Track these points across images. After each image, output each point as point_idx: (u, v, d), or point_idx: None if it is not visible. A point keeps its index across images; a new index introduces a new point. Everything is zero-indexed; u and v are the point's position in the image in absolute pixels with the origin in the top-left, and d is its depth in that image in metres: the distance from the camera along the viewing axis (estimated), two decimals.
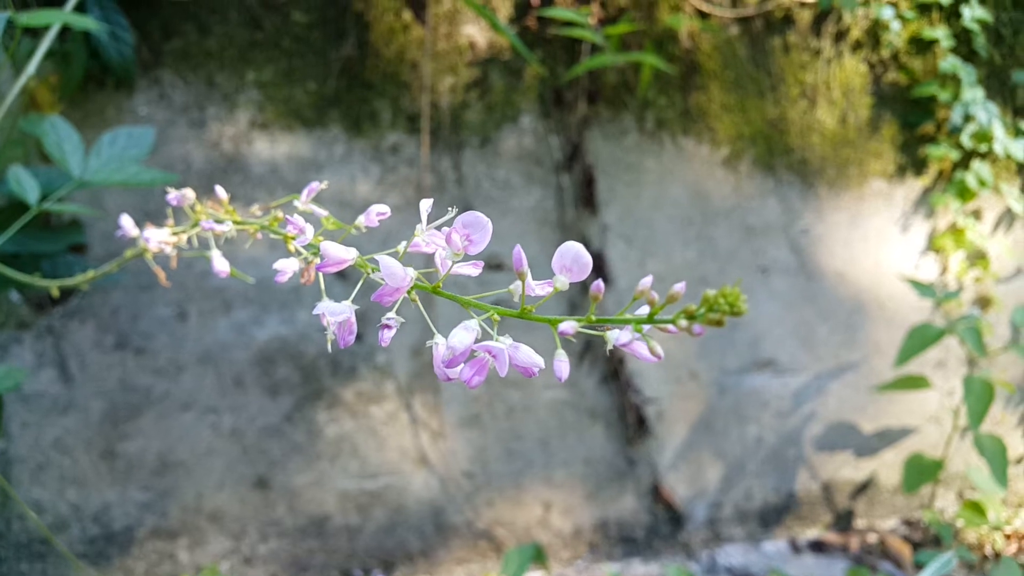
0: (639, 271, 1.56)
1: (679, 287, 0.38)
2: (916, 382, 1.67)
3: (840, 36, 1.64)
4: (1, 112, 1.05)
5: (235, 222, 0.55)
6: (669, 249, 1.58)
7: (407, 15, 1.44)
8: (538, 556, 1.34)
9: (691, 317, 0.37)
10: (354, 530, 1.50)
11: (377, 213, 0.50)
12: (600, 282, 0.40)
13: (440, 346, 0.44)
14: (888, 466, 1.81)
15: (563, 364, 0.40)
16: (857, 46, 1.65)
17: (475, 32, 1.48)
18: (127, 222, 0.63)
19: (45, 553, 1.38)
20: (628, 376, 1.56)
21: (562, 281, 0.41)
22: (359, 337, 1.48)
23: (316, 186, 0.54)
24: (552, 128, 1.52)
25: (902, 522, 1.82)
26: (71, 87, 1.26)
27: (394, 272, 0.41)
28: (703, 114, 1.57)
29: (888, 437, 1.81)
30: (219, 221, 0.54)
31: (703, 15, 1.55)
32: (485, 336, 0.42)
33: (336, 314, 0.44)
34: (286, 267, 0.49)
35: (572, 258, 0.40)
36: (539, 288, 0.43)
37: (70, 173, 0.95)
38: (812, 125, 1.65)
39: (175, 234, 0.57)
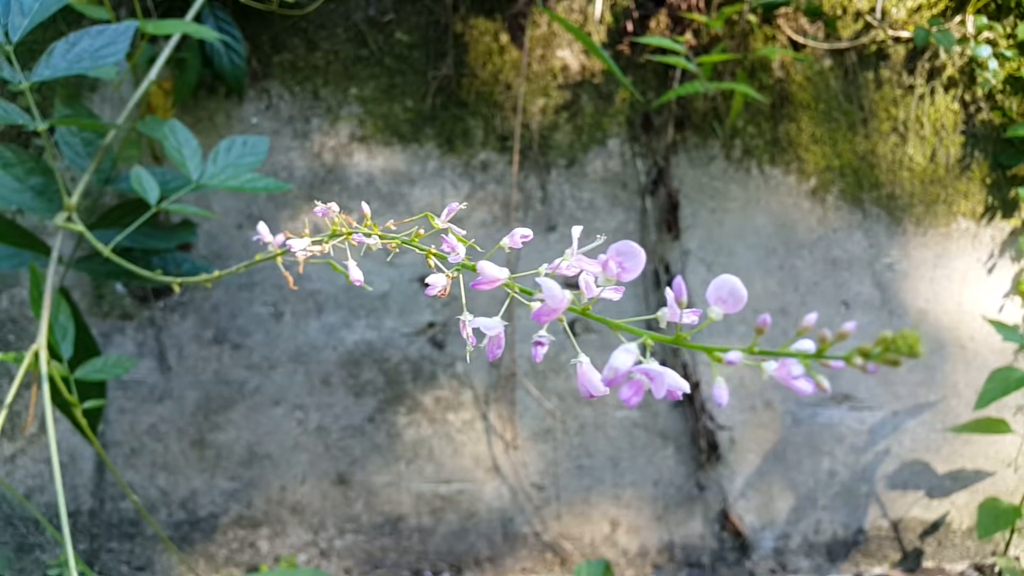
0: None
1: (850, 326, 0.37)
2: (995, 425, 1.60)
3: (934, 73, 1.59)
4: (124, 115, 1.09)
5: (380, 236, 0.56)
6: (750, 277, 1.55)
7: (504, 37, 1.45)
8: (606, 572, 1.32)
9: (866, 355, 0.36)
10: (426, 531, 1.51)
11: (521, 236, 0.50)
12: (767, 317, 0.40)
13: (584, 364, 0.44)
14: (960, 508, 1.74)
15: (723, 392, 0.40)
16: (951, 83, 1.60)
17: (568, 55, 1.48)
18: (263, 229, 0.64)
19: (134, 534, 1.42)
20: (702, 401, 1.54)
21: (716, 312, 0.40)
22: (440, 345, 1.50)
23: (455, 207, 0.55)
24: (639, 152, 1.51)
25: (972, 566, 1.75)
26: (185, 93, 1.31)
27: (555, 294, 0.41)
28: (792, 144, 1.54)
29: (962, 479, 1.73)
30: (367, 235, 0.55)
31: (796, 46, 1.53)
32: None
33: (490, 329, 0.44)
34: (436, 283, 0.49)
35: (728, 291, 0.39)
36: (686, 316, 0.42)
37: (188, 176, 0.99)
38: (902, 161, 1.60)
39: (316, 243, 0.59)
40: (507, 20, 1.40)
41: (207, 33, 1.02)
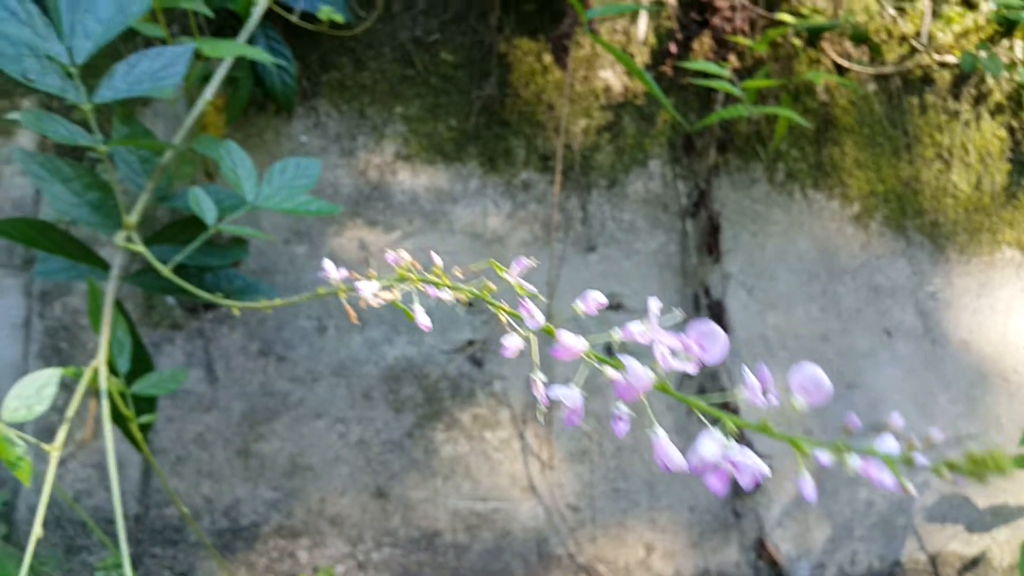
0: (759, 322, 1.52)
1: (938, 435, 0.37)
2: None
3: (980, 98, 1.57)
4: (180, 135, 1.12)
5: (450, 287, 0.57)
6: (791, 303, 1.54)
7: (547, 58, 1.47)
8: None
9: (952, 468, 0.36)
10: (462, 548, 1.51)
11: (596, 303, 0.51)
12: (855, 417, 0.40)
13: (661, 438, 0.44)
14: (1001, 545, 1.70)
15: (810, 486, 0.40)
16: (998, 109, 1.58)
17: (611, 76, 1.49)
18: (329, 266, 0.66)
19: (177, 540, 1.45)
20: (741, 429, 1.53)
21: (800, 401, 0.40)
22: (479, 363, 1.51)
23: (525, 263, 0.55)
24: (680, 174, 1.51)
25: None
26: (237, 111, 1.34)
27: (639, 376, 0.42)
28: (835, 169, 1.53)
29: (1004, 515, 1.70)
30: (436, 285, 0.57)
31: (841, 70, 1.52)
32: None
33: (570, 400, 0.45)
34: (512, 345, 0.50)
35: (812, 381, 0.40)
36: (752, 394, 0.42)
37: (243, 197, 1.01)
38: (946, 188, 1.58)
39: (385, 288, 0.60)
40: (551, 41, 1.41)
41: (262, 56, 1.05)
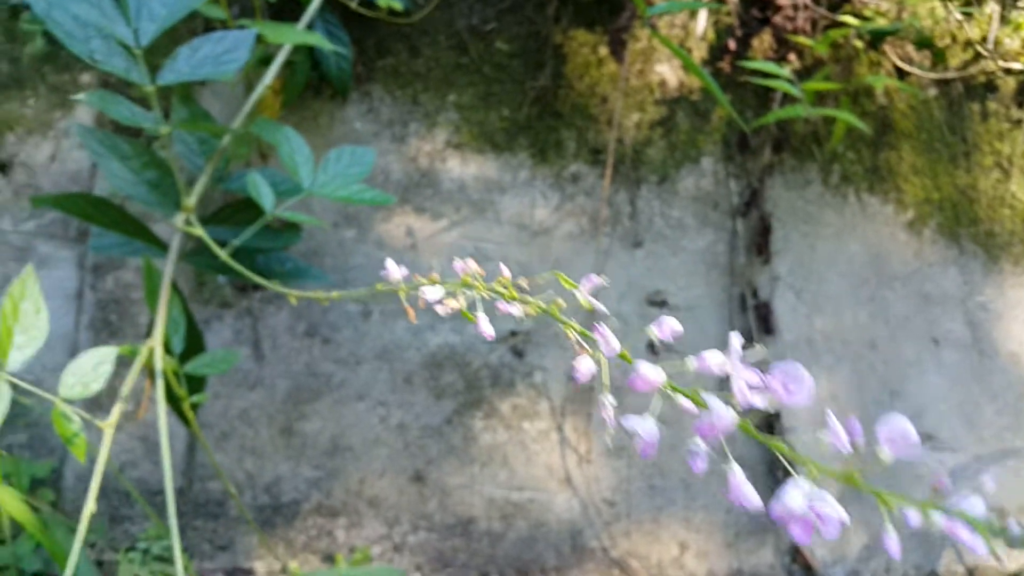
0: (806, 325, 1.50)
1: (990, 484, 0.36)
2: None
3: None
4: (239, 119, 1.12)
5: (517, 299, 0.56)
6: (839, 307, 1.51)
7: (603, 50, 1.45)
8: None
9: None
10: (496, 536, 1.52)
11: (672, 331, 0.49)
12: (946, 480, 0.38)
13: (736, 475, 0.43)
14: None
15: (895, 542, 0.38)
16: None
17: (667, 71, 1.47)
18: (391, 266, 0.66)
19: (218, 515, 1.47)
20: (782, 429, 1.51)
21: (886, 454, 0.39)
22: (520, 354, 1.51)
23: (595, 280, 0.54)
24: (733, 172, 1.49)
25: None
26: (293, 94, 1.34)
27: (722, 416, 0.41)
28: (891, 173, 1.50)
29: None
30: (504, 297, 0.56)
31: (902, 73, 1.48)
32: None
33: (648, 433, 0.44)
34: (585, 369, 0.49)
35: (900, 434, 0.38)
36: (835, 439, 0.41)
37: (300, 184, 1.01)
38: (1003, 197, 1.54)
39: (450, 294, 0.59)
40: (608, 34, 1.39)
41: (323, 43, 1.04)
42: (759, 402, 0.43)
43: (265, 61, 1.17)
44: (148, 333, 1.19)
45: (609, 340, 0.48)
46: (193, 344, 1.07)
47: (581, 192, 1.47)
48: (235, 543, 1.46)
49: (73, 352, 1.43)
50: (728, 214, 1.49)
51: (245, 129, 1.07)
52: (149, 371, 0.98)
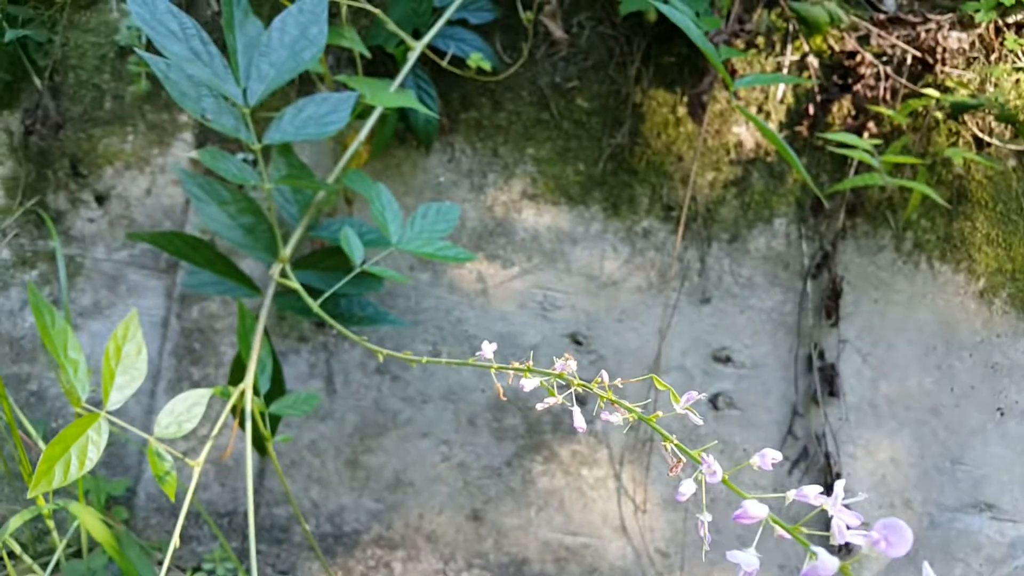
0: (871, 389, 1.49)
1: None
2: None
3: None
4: (335, 173, 1.16)
5: (614, 402, 0.58)
6: (905, 373, 1.50)
7: (681, 110, 1.46)
8: None
9: None
10: None
11: (772, 459, 0.51)
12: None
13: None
14: None
15: None
16: None
17: (743, 132, 1.48)
18: (487, 347, 0.69)
19: (282, 540, 1.51)
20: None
21: (879, 552, 0.41)
22: (583, 402, 1.52)
23: (694, 395, 0.56)
24: (806, 234, 1.49)
25: None
26: (382, 145, 1.38)
27: (828, 566, 0.43)
28: (965, 243, 1.48)
29: None
30: (602, 400, 0.58)
31: (980, 143, 1.47)
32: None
33: (748, 565, 0.46)
34: (687, 491, 0.51)
35: (898, 537, 0.40)
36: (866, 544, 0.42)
37: (388, 239, 1.05)
38: None
39: (551, 394, 0.62)
40: (689, 97, 1.41)
41: (417, 105, 1.08)
42: (859, 543, 0.44)
43: (359, 114, 1.21)
44: (232, 367, 1.24)
45: (716, 471, 0.50)
46: (276, 384, 1.12)
47: (651, 247, 1.48)
48: (297, 569, 1.50)
49: (155, 377, 1.49)
50: (798, 275, 1.49)
51: (340, 186, 1.11)
52: (237, 412, 1.02)
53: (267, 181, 1.00)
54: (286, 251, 1.03)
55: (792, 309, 1.49)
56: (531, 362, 0.64)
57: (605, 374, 0.60)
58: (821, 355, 1.47)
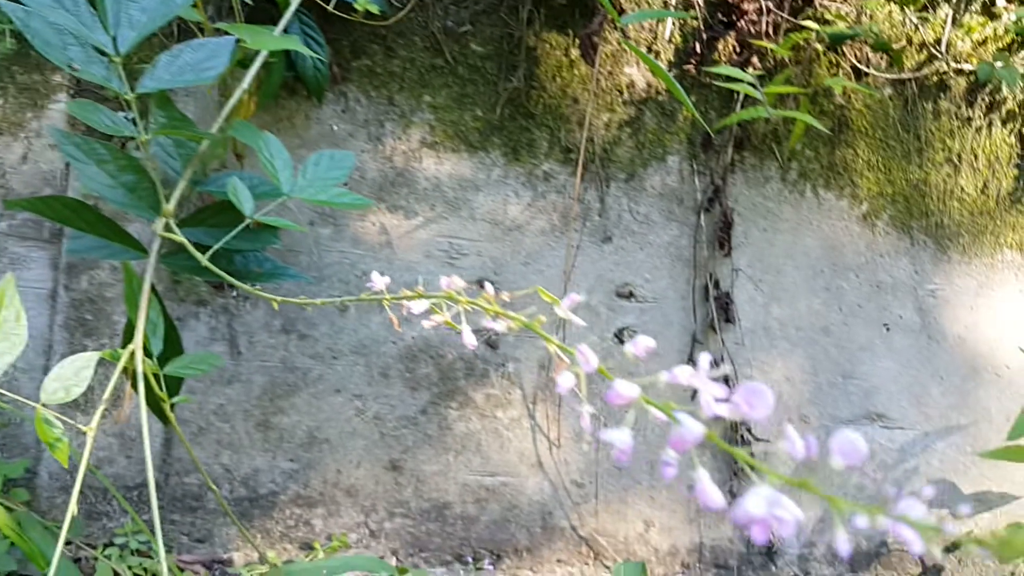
0: (764, 314, 1.54)
1: (967, 510, 0.38)
2: None
3: (993, 106, 1.57)
4: (217, 123, 1.11)
5: (500, 314, 0.57)
6: (795, 296, 1.55)
7: (574, 52, 1.45)
8: (641, 574, 1.35)
9: (980, 544, 0.37)
10: (470, 520, 1.54)
11: (645, 347, 0.51)
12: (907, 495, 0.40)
13: (703, 480, 0.44)
14: (983, 529, 1.75)
15: (845, 542, 0.41)
16: (1009, 117, 1.58)
17: (635, 73, 1.48)
18: (376, 277, 0.66)
19: (196, 508, 1.47)
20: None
21: (838, 463, 0.41)
22: (493, 346, 1.52)
23: (576, 298, 0.56)
24: (698, 169, 1.51)
25: None
26: (269, 95, 1.32)
27: (692, 430, 0.42)
28: (847, 169, 1.53)
29: (987, 501, 1.74)
30: (487, 312, 0.57)
31: (859, 74, 1.51)
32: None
33: (621, 443, 0.46)
34: (565, 383, 0.51)
35: (851, 447, 0.40)
36: (792, 448, 0.43)
37: (279, 188, 1.00)
38: (953, 191, 1.59)
39: (435, 306, 0.60)
40: (580, 38, 1.39)
41: (302, 48, 1.03)
42: (724, 413, 0.44)
43: (242, 63, 1.15)
44: (125, 332, 1.18)
45: (589, 358, 0.49)
46: (171, 345, 1.07)
47: (553, 190, 1.48)
48: (213, 535, 1.46)
49: (47, 352, 1.41)
50: (692, 210, 1.51)
51: (225, 135, 1.06)
52: (129, 374, 0.97)
53: (146, 135, 0.94)
54: (169, 205, 0.98)
55: (688, 243, 1.52)
56: (421, 287, 0.62)
57: (489, 286, 0.59)
58: (716, 285, 1.50)
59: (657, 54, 1.46)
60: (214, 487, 1.14)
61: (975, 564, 1.74)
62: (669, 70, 1.46)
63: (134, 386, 0.92)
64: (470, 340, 0.60)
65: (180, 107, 1.36)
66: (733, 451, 0.47)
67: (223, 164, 1.32)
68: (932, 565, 1.73)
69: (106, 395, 0.94)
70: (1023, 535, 0.38)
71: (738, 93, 1.46)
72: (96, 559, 1.36)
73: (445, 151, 1.43)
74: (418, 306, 0.61)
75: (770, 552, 1.64)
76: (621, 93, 1.46)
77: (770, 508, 0.43)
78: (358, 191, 1.42)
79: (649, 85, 1.47)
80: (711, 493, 0.46)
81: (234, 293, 1.42)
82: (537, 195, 1.47)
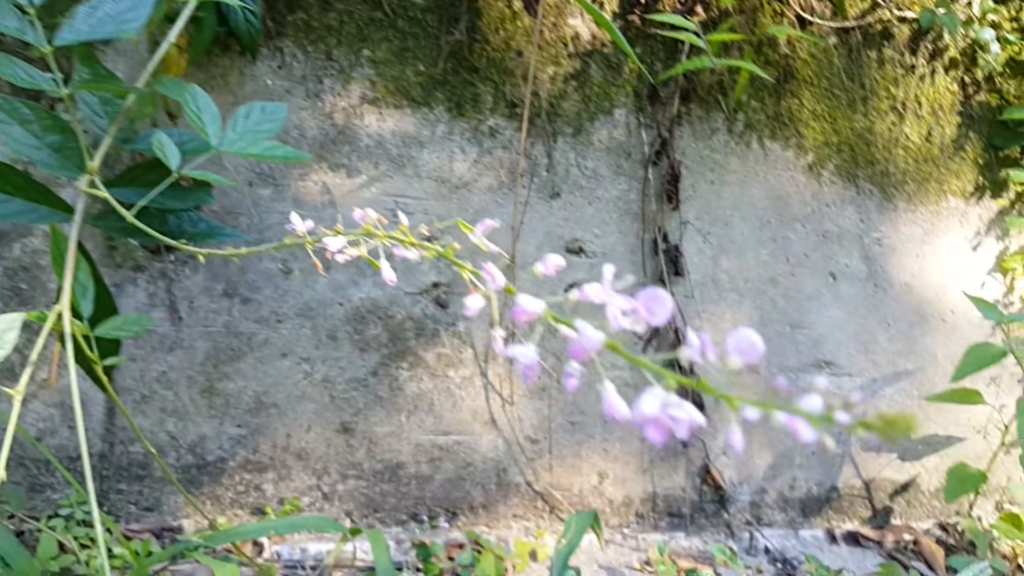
0: (712, 266, 1.55)
1: (856, 397, 0.38)
2: (969, 396, 1.64)
3: (936, 54, 1.58)
4: (143, 77, 1.07)
5: (415, 245, 0.56)
6: (743, 248, 1.56)
7: (517, 4, 1.43)
8: (595, 523, 1.37)
9: (867, 427, 0.37)
10: (424, 479, 1.54)
11: (555, 265, 0.51)
12: (783, 380, 0.40)
13: (609, 392, 0.45)
14: (930, 471, 1.80)
15: (739, 438, 0.41)
16: (952, 64, 1.59)
17: (579, 24, 1.46)
18: (296, 220, 0.65)
19: (143, 476, 1.45)
20: (691, 363, 1.56)
21: (734, 361, 0.41)
22: (443, 305, 1.51)
23: (491, 224, 0.55)
24: (644, 122, 1.50)
25: (938, 525, 1.81)
26: (199, 51, 1.28)
27: (591, 338, 0.42)
28: (793, 120, 1.54)
29: (934, 444, 1.79)
30: (403, 244, 0.56)
31: (804, 23, 1.51)
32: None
33: (525, 357, 0.45)
34: (473, 305, 0.50)
35: (748, 344, 0.41)
36: (693, 353, 0.43)
37: (208, 142, 0.98)
38: (898, 139, 1.60)
39: (352, 243, 0.59)
40: None
41: None
42: (627, 325, 0.44)
43: (170, 17, 1.11)
44: (57, 296, 1.15)
45: (495, 277, 0.49)
46: (103, 308, 1.04)
47: (499, 146, 1.46)
48: (162, 503, 1.45)
49: None
50: (640, 163, 1.51)
51: (150, 89, 1.02)
52: (60, 337, 0.94)
53: (66, 89, 0.91)
54: (94, 162, 0.94)
55: (636, 197, 1.51)
56: (340, 226, 0.61)
57: (403, 216, 0.58)
58: (665, 238, 1.51)
59: (601, 4, 1.44)
60: (153, 451, 1.12)
61: (922, 506, 1.79)
62: (613, 20, 1.45)
63: (62, 343, 0.89)
64: (389, 276, 0.59)
65: (110, 66, 1.32)
66: (636, 360, 0.47)
67: (155, 124, 1.29)
68: (882, 507, 1.77)
69: (33, 356, 0.91)
70: (907, 418, 0.38)
71: (683, 44, 1.45)
72: (40, 531, 1.34)
73: (387, 107, 1.41)
74: (335, 243, 0.60)
75: (722, 499, 1.67)
76: (566, 45, 1.44)
77: (664, 408, 0.43)
78: (298, 149, 1.39)
79: (594, 37, 1.45)
80: (616, 404, 0.46)
81: (172, 257, 1.39)
82: (483, 151, 1.46)
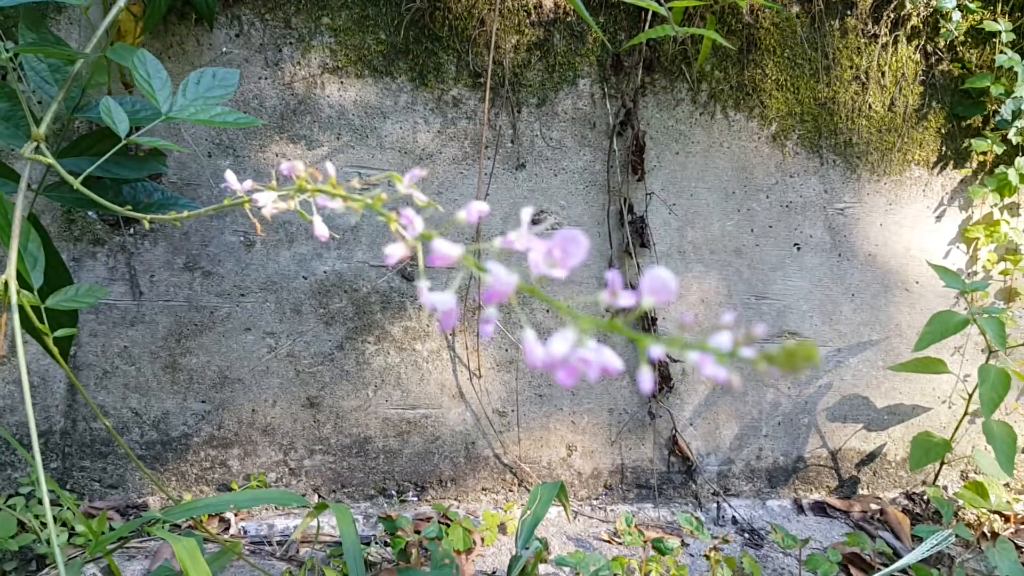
0: (678, 237, 1.54)
1: (759, 329, 0.37)
2: (933, 365, 1.66)
3: (899, 23, 1.58)
4: (92, 43, 1.05)
5: (343, 197, 0.55)
6: (708, 219, 1.56)
7: None
8: (561, 493, 1.37)
9: (770, 360, 0.37)
10: (392, 453, 1.54)
11: (478, 212, 0.50)
12: (689, 316, 0.40)
13: (530, 339, 0.44)
14: (896, 441, 1.81)
15: (648, 378, 0.40)
16: (914, 33, 1.59)
17: None
18: (231, 177, 0.63)
19: (106, 453, 1.43)
20: (658, 335, 1.56)
21: (648, 301, 0.40)
22: (409, 278, 1.50)
23: (418, 173, 0.54)
24: (608, 93, 1.49)
25: (904, 495, 1.83)
26: (155, 19, 1.25)
27: (503, 280, 0.41)
28: (756, 90, 1.53)
29: (899, 414, 1.80)
30: (332, 197, 0.55)
31: None
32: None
33: (443, 304, 0.44)
34: (395, 252, 0.49)
35: (660, 283, 0.40)
36: (624, 299, 0.42)
37: (158, 109, 0.96)
38: (861, 109, 1.60)
39: (282, 198, 0.58)
40: None
41: None
42: (544, 268, 0.44)
43: None
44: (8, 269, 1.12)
45: (414, 223, 0.48)
46: (57, 279, 1.02)
47: (462, 116, 1.45)
48: (126, 480, 1.43)
49: None
50: (605, 134, 1.50)
51: (98, 55, 1.00)
52: (7, 307, 0.92)
53: (7, 52, 0.88)
54: (40, 128, 0.92)
55: (602, 168, 1.51)
56: (275, 182, 0.59)
57: (330, 166, 0.57)
58: (631, 209, 1.50)
59: None
60: (109, 426, 1.10)
61: (888, 475, 1.81)
62: None
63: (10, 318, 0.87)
64: (322, 231, 0.58)
65: (63, 35, 1.29)
66: (550, 300, 0.47)
67: (110, 93, 1.26)
68: (848, 477, 1.79)
69: None
70: (807, 348, 0.38)
71: (646, 13, 1.44)
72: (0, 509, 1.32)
73: (348, 76, 1.39)
74: (264, 199, 0.58)
75: (690, 470, 1.68)
76: (529, 14, 1.43)
77: (574, 350, 0.43)
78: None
79: (557, 5, 1.44)
80: (535, 349, 0.46)
81: (131, 231, 1.36)
82: (447, 122, 1.44)
